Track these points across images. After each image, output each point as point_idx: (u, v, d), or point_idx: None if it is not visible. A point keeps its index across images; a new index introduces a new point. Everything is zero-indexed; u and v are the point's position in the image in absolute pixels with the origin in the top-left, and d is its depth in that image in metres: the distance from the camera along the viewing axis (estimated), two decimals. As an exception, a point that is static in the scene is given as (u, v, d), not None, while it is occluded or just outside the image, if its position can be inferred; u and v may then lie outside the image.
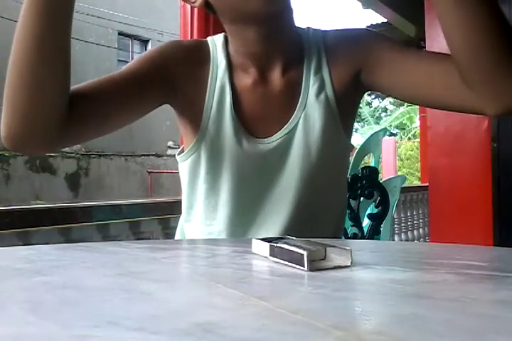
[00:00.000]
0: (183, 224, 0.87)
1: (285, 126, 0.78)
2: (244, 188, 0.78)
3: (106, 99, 0.67)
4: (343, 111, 0.78)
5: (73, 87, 0.64)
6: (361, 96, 0.84)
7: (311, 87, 0.78)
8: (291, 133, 0.78)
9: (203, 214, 0.81)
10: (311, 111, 0.78)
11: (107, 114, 0.68)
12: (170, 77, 0.74)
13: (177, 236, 0.91)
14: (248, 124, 0.78)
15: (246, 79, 0.78)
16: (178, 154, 0.83)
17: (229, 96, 0.76)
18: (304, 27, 0.84)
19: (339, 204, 0.86)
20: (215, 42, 0.81)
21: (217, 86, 0.77)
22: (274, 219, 0.77)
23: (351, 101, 0.81)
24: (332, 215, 0.83)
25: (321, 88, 0.78)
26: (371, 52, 0.75)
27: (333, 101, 0.78)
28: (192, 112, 0.78)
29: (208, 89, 0.77)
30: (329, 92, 0.78)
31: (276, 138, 0.77)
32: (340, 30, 0.83)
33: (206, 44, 0.81)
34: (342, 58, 0.78)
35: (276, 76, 0.77)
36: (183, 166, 0.81)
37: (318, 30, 0.83)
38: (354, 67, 0.77)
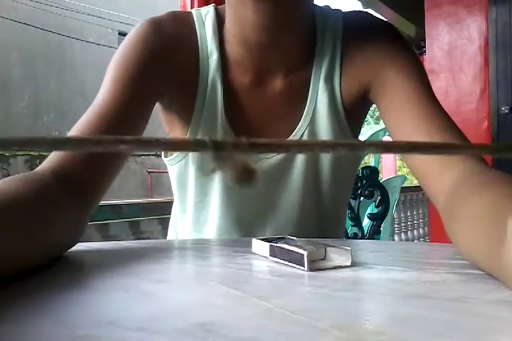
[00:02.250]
0: (177, 223, 0.80)
1: (288, 140, 0.66)
2: (237, 206, 0.69)
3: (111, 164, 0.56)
4: (352, 124, 0.68)
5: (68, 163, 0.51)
6: (368, 109, 0.72)
7: (319, 95, 0.66)
8: None
9: (192, 226, 0.73)
10: (318, 124, 0.67)
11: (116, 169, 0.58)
12: (156, 84, 0.62)
13: (170, 236, 0.83)
14: (243, 133, 0.61)
15: (241, 78, 0.65)
16: (165, 154, 0.73)
17: (220, 100, 0.65)
18: (321, 5, 0.68)
19: (344, 207, 0.80)
20: (204, 21, 0.66)
21: (208, 86, 0.64)
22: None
23: (359, 114, 0.71)
24: (336, 219, 0.76)
25: (331, 98, 0.66)
26: (381, 78, 0.63)
27: (342, 114, 0.67)
28: (180, 114, 0.67)
29: (199, 89, 0.65)
30: (338, 104, 0.66)
31: (276, 154, 0.66)
32: (367, 25, 0.67)
33: (192, 25, 0.65)
34: (356, 69, 0.66)
35: (277, 79, 0.65)
36: (171, 169, 0.73)
37: (339, 14, 0.68)
38: (364, 85, 0.65)
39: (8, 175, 0.45)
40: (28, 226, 0.38)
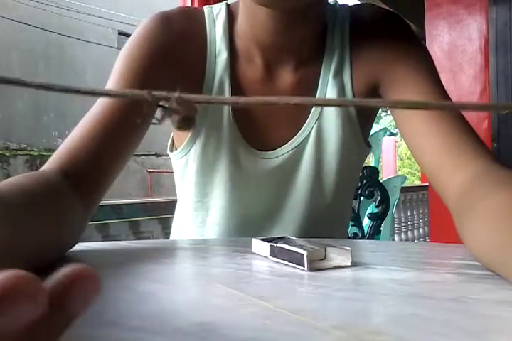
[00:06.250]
0: (179, 223, 0.79)
1: (294, 138, 0.66)
2: (243, 208, 0.68)
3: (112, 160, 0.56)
4: (362, 122, 0.67)
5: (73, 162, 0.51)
6: (379, 107, 0.69)
7: (328, 91, 0.65)
8: (301, 146, 0.66)
9: (192, 227, 0.73)
10: (326, 121, 0.65)
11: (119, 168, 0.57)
12: (161, 80, 0.60)
13: (173, 236, 0.82)
14: (249, 133, 0.66)
15: (251, 75, 0.65)
16: (171, 149, 0.72)
17: (228, 95, 0.64)
18: (330, 2, 0.68)
19: (348, 207, 0.79)
20: (215, 19, 0.65)
21: (215, 84, 0.64)
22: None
23: (370, 111, 0.69)
24: (342, 220, 0.76)
25: (341, 94, 0.65)
26: (391, 73, 0.61)
27: (353, 111, 0.65)
28: None
29: (204, 87, 0.64)
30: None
31: (282, 153, 0.66)
32: (375, 18, 0.65)
33: (202, 22, 0.65)
34: (366, 65, 0.64)
35: (287, 73, 0.64)
36: (174, 166, 0.72)
37: (346, 8, 0.67)
38: (374, 80, 0.64)
39: (8, 175, 0.45)
40: (35, 225, 0.37)
